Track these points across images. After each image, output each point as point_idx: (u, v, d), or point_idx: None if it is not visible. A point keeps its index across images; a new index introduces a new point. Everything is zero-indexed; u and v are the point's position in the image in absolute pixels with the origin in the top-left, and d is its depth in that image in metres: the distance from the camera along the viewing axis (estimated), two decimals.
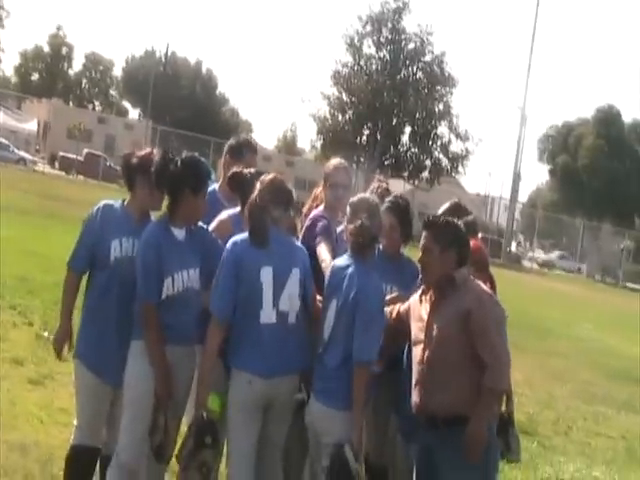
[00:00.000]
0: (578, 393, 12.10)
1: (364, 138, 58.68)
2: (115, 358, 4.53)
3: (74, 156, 51.01)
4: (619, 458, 8.71)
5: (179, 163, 4.47)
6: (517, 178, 57.73)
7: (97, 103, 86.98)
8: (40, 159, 55.11)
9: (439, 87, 56.94)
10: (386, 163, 58.26)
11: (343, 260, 4.56)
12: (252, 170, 4.92)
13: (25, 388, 7.10)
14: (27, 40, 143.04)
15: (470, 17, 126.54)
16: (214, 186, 5.27)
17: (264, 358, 4.40)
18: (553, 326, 20.15)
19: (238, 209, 4.92)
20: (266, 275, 4.43)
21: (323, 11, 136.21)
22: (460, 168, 59.02)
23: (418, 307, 4.52)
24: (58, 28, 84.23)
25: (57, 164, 53.02)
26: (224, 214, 4.99)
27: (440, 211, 5.31)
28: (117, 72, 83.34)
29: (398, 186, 45.76)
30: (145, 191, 4.66)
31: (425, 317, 4.40)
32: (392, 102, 56.30)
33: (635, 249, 60.54)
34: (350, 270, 4.45)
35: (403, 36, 56.89)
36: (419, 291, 4.58)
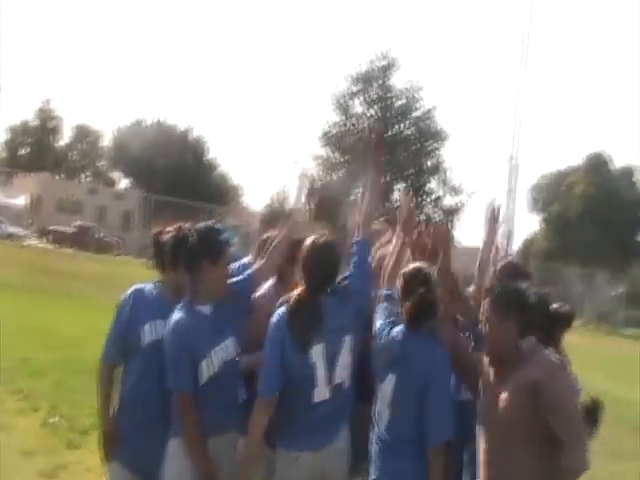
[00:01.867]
0: (603, 449, 11.57)
1: (357, 194, 58.51)
2: (156, 452, 4.16)
3: (65, 228, 50.57)
4: None
5: (193, 236, 4.23)
6: (510, 234, 57.65)
7: (86, 174, 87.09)
8: (32, 233, 54.72)
9: (429, 142, 57.18)
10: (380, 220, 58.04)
11: (400, 332, 4.27)
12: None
13: None
14: (15, 115, 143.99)
15: (459, 70, 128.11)
16: (246, 259, 4.96)
17: (314, 433, 4.15)
18: None
19: (272, 281, 4.69)
20: (318, 354, 4.15)
21: (311, 72, 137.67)
22: (455, 222, 58.90)
23: (487, 375, 4.18)
24: (46, 102, 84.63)
25: (49, 237, 52.64)
26: (260, 291, 4.67)
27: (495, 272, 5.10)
28: (106, 142, 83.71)
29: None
30: (176, 270, 4.37)
31: (491, 390, 4.08)
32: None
33: (630, 295, 60.43)
34: (411, 345, 4.20)
35: (392, 93, 57.10)
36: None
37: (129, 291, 4.54)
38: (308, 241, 4.29)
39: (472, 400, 4.36)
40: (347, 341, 4.21)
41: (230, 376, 4.22)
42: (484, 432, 4.09)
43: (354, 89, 56.96)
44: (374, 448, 4.25)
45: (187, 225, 4.40)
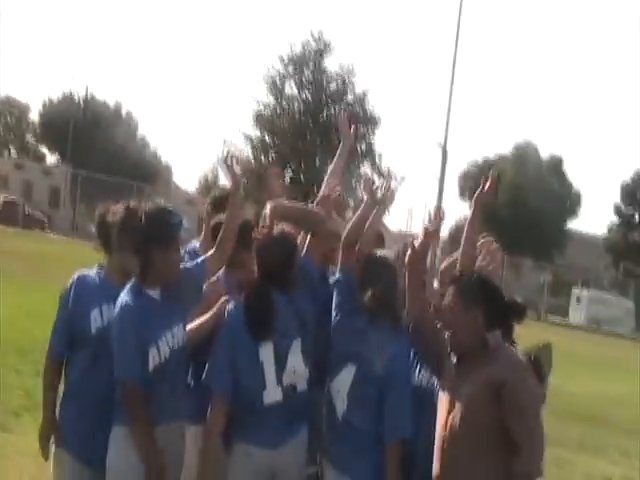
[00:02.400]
0: None
1: (287, 179, 58.62)
2: (99, 440, 4.03)
3: None
4: None
5: (143, 217, 4.02)
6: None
7: (12, 149, 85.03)
8: None
9: (362, 126, 57.34)
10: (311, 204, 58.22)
11: (361, 322, 4.15)
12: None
13: None
14: None
15: (391, 56, 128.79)
16: (195, 243, 4.85)
17: (267, 429, 4.03)
18: None
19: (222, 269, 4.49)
20: (266, 353, 4.05)
21: (244, 52, 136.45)
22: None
23: (449, 361, 4.05)
24: None
25: None
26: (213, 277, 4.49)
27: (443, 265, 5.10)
28: (34, 117, 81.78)
29: None
30: (122, 253, 4.19)
31: (454, 378, 3.95)
32: (315, 143, 56.38)
33: (554, 283, 61.73)
34: (372, 337, 4.07)
35: (325, 76, 57.06)
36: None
37: (71, 279, 4.36)
38: (263, 233, 4.27)
39: (426, 387, 4.28)
40: (296, 345, 4.11)
41: (178, 364, 4.10)
42: (442, 417, 3.93)
43: (288, 71, 56.72)
44: (328, 434, 4.18)
45: (134, 204, 4.20)
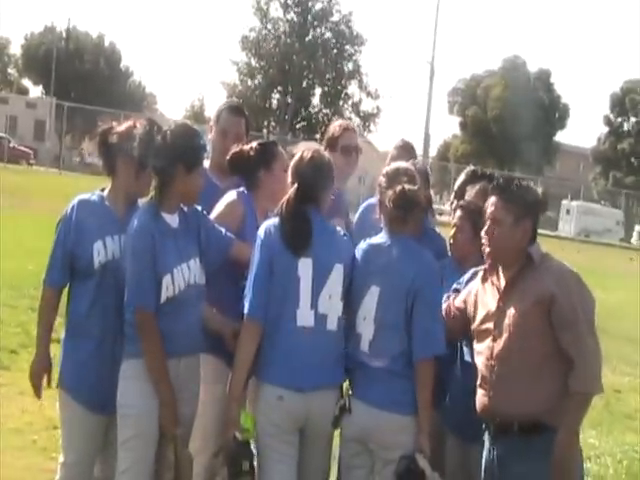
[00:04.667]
0: None
1: (274, 102, 58.30)
2: (109, 384, 3.74)
3: None
4: (603, 419, 8.33)
5: (168, 135, 3.72)
6: (427, 137, 58.24)
7: None
8: None
9: (348, 47, 56.86)
10: (298, 126, 58.06)
11: (380, 239, 3.88)
12: (253, 145, 4.28)
13: None
14: None
15: None
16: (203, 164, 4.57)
17: (299, 368, 3.71)
18: None
19: (242, 189, 4.28)
20: (305, 268, 3.74)
21: None
22: (372, 127, 59.22)
23: (481, 293, 3.80)
24: None
25: None
26: (231, 195, 4.24)
27: (458, 182, 4.79)
28: (15, 50, 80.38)
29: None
30: (129, 174, 3.88)
31: (494, 304, 3.67)
32: (301, 64, 55.92)
33: (546, 195, 61.90)
34: (395, 250, 3.79)
35: None
36: (479, 274, 3.89)
37: (72, 204, 3.97)
38: (298, 153, 3.97)
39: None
40: (338, 270, 3.80)
41: (194, 301, 3.83)
42: (486, 348, 3.67)
43: None
44: (355, 368, 3.84)
45: (147, 123, 3.87)
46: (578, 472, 3.66)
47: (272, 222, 3.84)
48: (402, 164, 4.09)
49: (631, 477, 6.64)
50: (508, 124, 64.75)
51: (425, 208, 4.28)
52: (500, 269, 3.73)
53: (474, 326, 3.79)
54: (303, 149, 3.99)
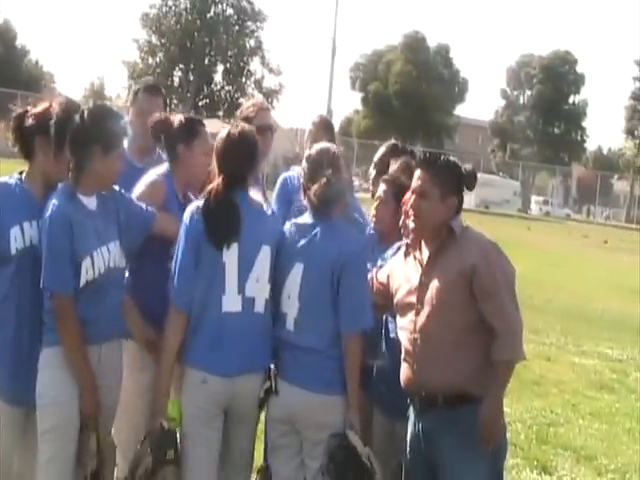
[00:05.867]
0: None
1: (176, 80, 57.75)
2: (27, 374, 3.62)
3: None
4: (512, 386, 7.87)
5: (85, 115, 3.58)
6: (330, 113, 58.73)
7: None
8: None
9: (250, 23, 56.69)
10: (200, 104, 57.73)
11: (306, 219, 3.85)
12: (179, 117, 4.17)
13: None
14: None
15: None
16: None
17: (224, 353, 3.68)
18: None
19: (165, 167, 4.13)
20: (230, 253, 3.69)
21: None
22: (275, 103, 59.33)
23: (403, 267, 3.81)
24: None
25: None
26: (151, 175, 4.11)
27: (378, 154, 4.90)
28: None
29: (215, 126, 45.54)
30: (47, 157, 3.72)
31: (416, 278, 3.69)
32: (203, 41, 55.54)
33: None
34: (319, 229, 3.76)
35: None
36: (401, 249, 3.91)
37: None
38: (223, 131, 3.85)
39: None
40: (265, 251, 3.75)
41: (114, 284, 3.73)
42: (409, 322, 3.69)
43: None
44: (280, 348, 3.80)
45: (64, 103, 3.77)
46: (504, 439, 3.72)
47: (196, 207, 3.77)
48: (325, 148, 3.99)
49: (541, 442, 6.94)
50: (408, 99, 65.70)
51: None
52: (422, 243, 3.75)
53: (397, 300, 3.80)
54: (229, 128, 3.88)
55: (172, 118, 4.17)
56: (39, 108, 3.78)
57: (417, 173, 3.71)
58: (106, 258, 3.63)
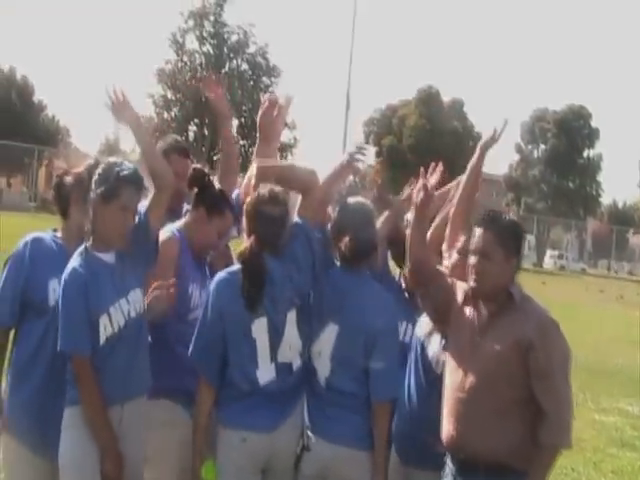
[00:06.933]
0: None
1: (191, 135, 58.19)
2: (53, 428, 3.63)
3: None
4: None
5: (90, 170, 3.73)
6: None
7: None
8: None
9: (264, 78, 57.20)
10: (215, 158, 58.01)
11: (337, 274, 3.86)
12: (214, 181, 4.32)
13: None
14: None
15: (292, 8, 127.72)
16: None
17: (261, 412, 3.69)
18: None
19: (180, 223, 4.21)
20: (259, 329, 3.69)
21: (146, 11, 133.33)
22: (290, 157, 59.59)
23: (462, 313, 3.68)
24: None
25: None
26: (166, 231, 4.12)
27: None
28: None
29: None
30: (81, 213, 3.79)
31: (470, 336, 3.59)
32: None
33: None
34: (354, 288, 3.79)
35: (226, 29, 56.47)
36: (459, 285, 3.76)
37: (24, 241, 3.92)
38: (253, 194, 3.82)
39: (407, 342, 4.08)
40: (291, 318, 3.75)
41: (137, 333, 3.72)
42: (457, 379, 3.59)
43: (188, 25, 55.97)
44: (310, 401, 3.85)
45: (93, 163, 3.86)
46: None
47: (225, 275, 3.77)
48: (360, 202, 4.01)
49: None
50: (423, 152, 65.94)
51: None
52: (480, 302, 3.64)
53: (449, 348, 3.71)
54: (259, 190, 3.81)
55: (208, 176, 4.30)
56: (79, 169, 3.92)
57: (478, 232, 3.58)
58: (125, 310, 3.64)
